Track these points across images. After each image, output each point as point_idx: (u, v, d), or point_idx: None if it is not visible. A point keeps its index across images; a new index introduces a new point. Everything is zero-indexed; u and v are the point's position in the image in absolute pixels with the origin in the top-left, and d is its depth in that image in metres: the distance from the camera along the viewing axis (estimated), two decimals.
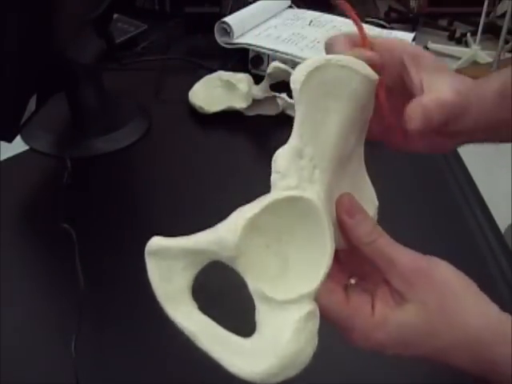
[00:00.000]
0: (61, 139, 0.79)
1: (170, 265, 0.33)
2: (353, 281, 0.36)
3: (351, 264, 0.37)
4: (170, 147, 0.81)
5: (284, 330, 0.31)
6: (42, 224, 0.65)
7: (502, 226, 0.96)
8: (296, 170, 0.33)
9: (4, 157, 0.74)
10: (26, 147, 0.77)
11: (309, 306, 0.32)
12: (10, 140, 0.65)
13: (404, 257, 0.34)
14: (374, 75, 0.36)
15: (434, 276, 0.34)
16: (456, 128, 0.41)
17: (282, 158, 0.33)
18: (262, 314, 0.32)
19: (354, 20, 0.39)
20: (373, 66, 0.38)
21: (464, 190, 0.72)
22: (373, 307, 0.34)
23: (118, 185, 0.74)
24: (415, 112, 0.38)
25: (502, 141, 0.45)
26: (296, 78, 0.33)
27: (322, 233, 0.32)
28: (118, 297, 0.56)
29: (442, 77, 0.40)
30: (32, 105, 0.67)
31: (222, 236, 0.31)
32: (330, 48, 0.41)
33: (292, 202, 0.32)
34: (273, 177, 0.33)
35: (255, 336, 0.32)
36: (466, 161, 0.78)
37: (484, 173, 1.21)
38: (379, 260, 0.35)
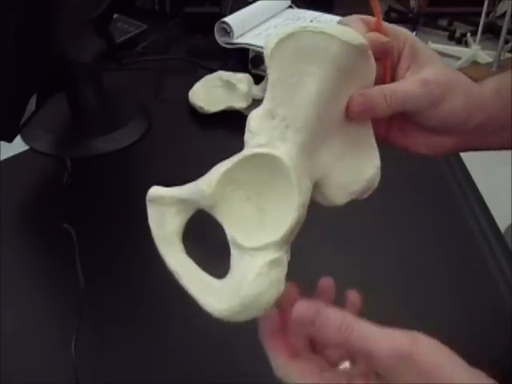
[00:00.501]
0: (61, 139, 0.79)
1: (163, 211, 0.37)
2: (347, 364, 0.35)
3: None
4: (170, 147, 0.81)
5: (248, 274, 0.34)
6: (42, 224, 0.65)
7: (502, 226, 0.96)
8: (267, 129, 0.35)
9: (4, 157, 0.74)
10: (26, 147, 0.77)
11: (273, 255, 0.34)
12: (10, 140, 0.65)
13: (381, 346, 0.32)
14: (355, 40, 0.36)
15: (416, 359, 0.32)
16: (432, 120, 0.41)
17: (253, 118, 0.36)
18: (234, 258, 0.35)
19: (374, 4, 0.39)
20: (385, 50, 0.40)
21: (464, 189, 0.72)
22: (351, 381, 0.34)
23: (118, 185, 0.74)
24: (355, 100, 0.38)
25: (503, 147, 0.45)
26: (267, 45, 0.36)
27: (290, 187, 0.35)
28: (118, 297, 0.56)
29: (423, 69, 0.41)
30: (32, 105, 0.67)
31: (200, 187, 0.35)
32: None
33: (262, 159, 0.35)
34: (245, 135, 0.36)
35: (226, 278, 0.35)
36: (465, 161, 0.78)
37: (484, 173, 1.21)
38: (356, 354, 0.33)
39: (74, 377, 0.46)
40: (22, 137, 0.78)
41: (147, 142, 0.81)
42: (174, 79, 0.97)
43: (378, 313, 0.52)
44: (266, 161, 0.35)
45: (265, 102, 0.36)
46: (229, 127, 0.84)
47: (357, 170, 0.40)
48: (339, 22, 0.42)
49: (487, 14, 3.25)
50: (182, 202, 0.37)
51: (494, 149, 0.45)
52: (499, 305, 0.57)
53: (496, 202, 0.88)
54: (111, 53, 0.88)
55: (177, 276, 0.36)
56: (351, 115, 0.39)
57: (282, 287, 0.34)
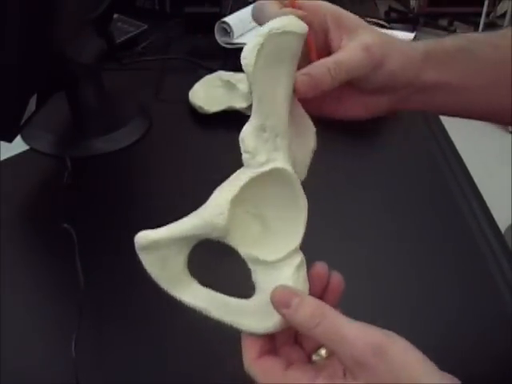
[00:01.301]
0: (61, 139, 0.79)
1: (163, 254, 0.35)
2: (323, 351, 0.35)
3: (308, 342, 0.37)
4: (170, 147, 0.81)
5: (285, 283, 0.34)
6: (42, 224, 0.65)
7: (502, 226, 0.96)
8: (262, 145, 0.35)
9: (4, 157, 0.74)
10: (26, 147, 0.77)
11: (297, 259, 0.35)
12: (10, 140, 0.65)
13: (355, 333, 0.32)
14: (305, 28, 0.37)
15: (387, 353, 0.31)
16: (374, 83, 0.42)
17: (248, 138, 0.35)
18: (259, 275, 0.35)
19: None
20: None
21: (464, 190, 0.72)
22: (313, 382, 0.33)
23: (118, 185, 0.74)
24: (301, 80, 0.38)
25: (439, 110, 0.47)
26: (248, 63, 0.35)
27: (296, 194, 0.36)
28: (118, 296, 0.56)
29: (357, 35, 0.41)
30: (32, 105, 0.67)
31: (211, 221, 0.34)
32: (259, 11, 0.41)
33: (266, 176, 0.35)
34: (244, 157, 0.36)
35: (257, 296, 0.35)
36: (466, 161, 0.78)
37: (484, 173, 1.21)
38: (329, 341, 0.33)
39: (74, 377, 0.46)
40: (22, 137, 0.78)
41: (147, 142, 0.81)
42: (174, 79, 0.97)
43: (376, 312, 0.52)
44: (270, 176, 0.35)
45: (253, 118, 0.36)
46: (229, 127, 0.84)
47: (305, 146, 0.40)
48: (255, 6, 0.42)
49: (487, 14, 3.26)
50: (183, 239, 0.35)
51: (419, 109, 0.47)
52: (499, 305, 0.57)
53: (496, 202, 0.88)
54: (111, 53, 0.88)
55: (204, 312, 0.35)
56: (299, 96, 0.39)
57: (308, 284, 0.36)
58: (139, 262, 0.36)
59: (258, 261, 0.35)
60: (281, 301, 0.34)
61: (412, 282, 0.59)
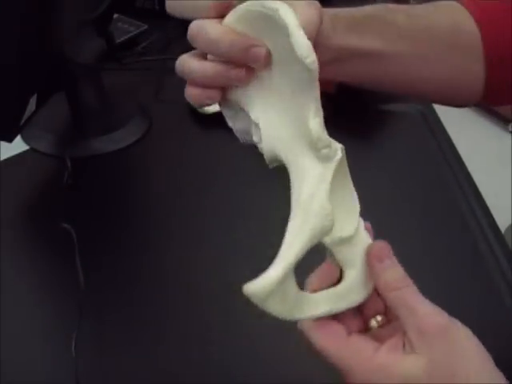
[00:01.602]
0: (61, 139, 0.79)
1: (282, 289, 0.32)
2: (379, 317, 0.36)
3: (371, 309, 0.37)
4: (170, 147, 0.81)
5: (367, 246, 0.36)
6: (42, 224, 0.65)
7: (502, 226, 0.96)
8: (325, 133, 0.35)
9: (4, 157, 0.74)
10: (26, 147, 0.77)
11: (362, 222, 0.37)
12: (10, 140, 0.65)
13: (427, 310, 0.33)
14: None
15: (452, 336, 0.33)
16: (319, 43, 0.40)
17: (323, 134, 0.34)
18: (345, 252, 0.36)
19: None
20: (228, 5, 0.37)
21: (464, 190, 0.72)
22: (376, 352, 0.33)
23: (118, 185, 0.74)
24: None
25: (361, 79, 0.47)
26: (314, 59, 0.32)
27: (346, 167, 0.36)
28: (118, 297, 0.56)
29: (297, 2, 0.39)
30: (32, 105, 0.67)
31: (320, 226, 0.33)
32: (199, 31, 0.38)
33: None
34: (323, 152, 0.34)
35: (350, 272, 0.36)
36: (466, 161, 0.78)
37: (484, 173, 1.21)
38: (401, 308, 0.34)
39: (74, 377, 0.46)
40: (22, 137, 0.78)
41: (147, 141, 0.81)
42: (174, 79, 0.97)
43: None
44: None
45: (319, 111, 0.34)
46: (229, 127, 0.84)
47: None
48: (191, 28, 0.39)
49: None
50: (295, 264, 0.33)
51: (343, 79, 0.47)
52: (499, 305, 0.57)
53: (496, 202, 0.88)
54: (111, 53, 0.88)
55: (328, 314, 0.35)
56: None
57: None
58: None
59: (341, 240, 0.35)
60: (377, 254, 0.35)
61: None
